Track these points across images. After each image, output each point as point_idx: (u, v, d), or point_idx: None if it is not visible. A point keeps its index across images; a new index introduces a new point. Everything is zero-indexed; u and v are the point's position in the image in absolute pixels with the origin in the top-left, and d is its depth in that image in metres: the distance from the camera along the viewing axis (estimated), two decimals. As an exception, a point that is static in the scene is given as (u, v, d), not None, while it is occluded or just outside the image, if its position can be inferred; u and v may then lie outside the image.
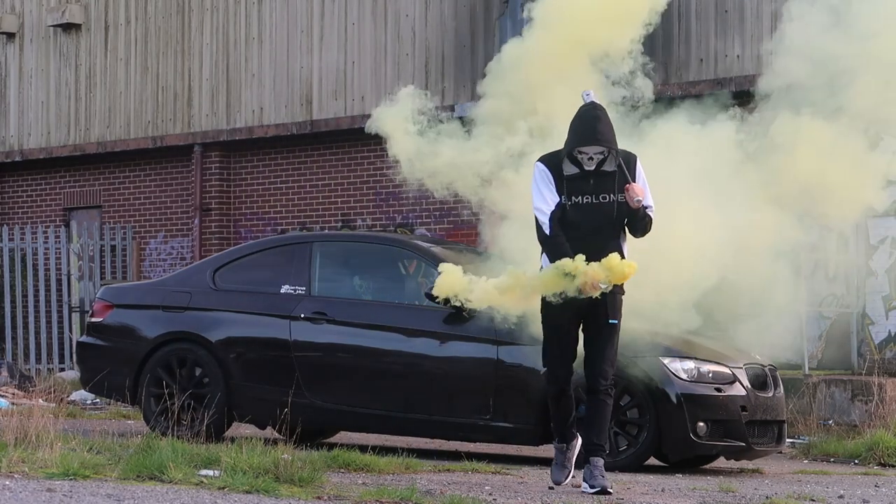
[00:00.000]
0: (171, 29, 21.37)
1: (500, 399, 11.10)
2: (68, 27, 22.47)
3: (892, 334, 15.48)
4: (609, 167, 9.01)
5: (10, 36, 23.29)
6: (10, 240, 21.84)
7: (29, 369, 20.59)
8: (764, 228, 10.53)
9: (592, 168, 8.98)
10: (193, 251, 20.84)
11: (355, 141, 19.50)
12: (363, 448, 10.23)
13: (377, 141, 19.10)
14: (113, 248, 21.95)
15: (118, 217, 22.27)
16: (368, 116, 18.72)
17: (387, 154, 11.77)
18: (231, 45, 20.66)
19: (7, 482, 7.86)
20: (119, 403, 14.93)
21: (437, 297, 9.71)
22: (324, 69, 19.62)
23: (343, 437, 13.21)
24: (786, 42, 10.80)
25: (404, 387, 11.43)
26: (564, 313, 8.99)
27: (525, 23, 11.31)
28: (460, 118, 12.03)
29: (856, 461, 12.73)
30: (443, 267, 9.62)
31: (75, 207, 22.99)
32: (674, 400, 10.71)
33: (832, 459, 12.98)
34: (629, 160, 9.07)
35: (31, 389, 17.28)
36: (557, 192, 9.01)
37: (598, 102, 9.10)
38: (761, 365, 11.37)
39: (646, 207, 8.99)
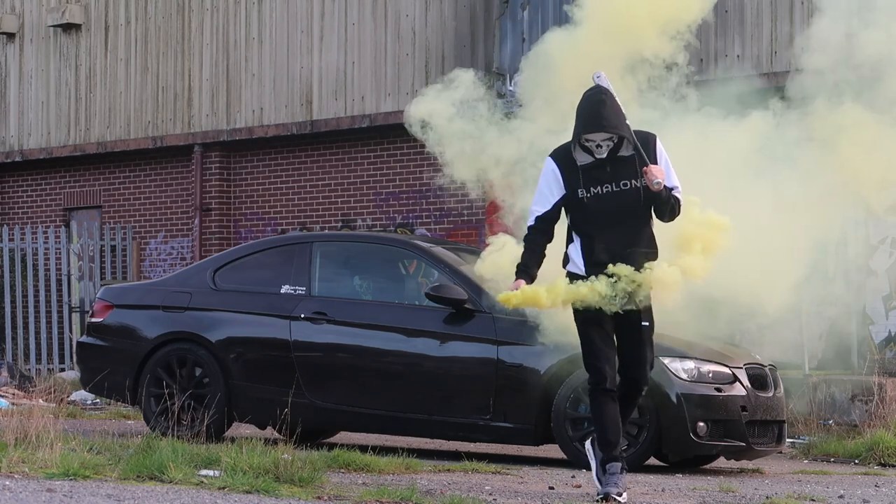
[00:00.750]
0: (171, 29, 21.37)
1: (500, 399, 11.10)
2: (68, 27, 22.47)
3: (893, 334, 15.48)
4: (625, 152, 8.50)
5: (10, 36, 23.29)
6: (10, 240, 21.83)
7: (29, 369, 20.59)
8: (802, 225, 10.22)
9: (604, 155, 8.47)
10: (193, 251, 20.84)
11: (355, 141, 19.51)
12: (363, 448, 10.23)
13: (377, 141, 19.29)
14: (113, 248, 21.95)
15: (118, 217, 22.27)
16: (369, 116, 18.93)
17: (425, 148, 11.31)
18: (231, 45, 20.66)
19: (7, 482, 7.86)
20: (119, 403, 14.93)
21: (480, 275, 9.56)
22: (324, 69, 19.62)
23: (343, 437, 13.21)
24: (817, 34, 10.57)
25: (404, 387, 11.43)
26: (601, 309, 8.53)
27: (568, 22, 10.94)
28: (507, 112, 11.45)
29: (856, 461, 12.73)
30: (496, 240, 9.37)
31: (75, 207, 22.99)
32: (674, 400, 10.71)
33: (832, 459, 12.97)
34: (647, 141, 8.55)
35: (31, 390, 17.29)
36: (572, 185, 8.51)
37: (604, 86, 8.56)
38: (761, 365, 11.37)
39: (670, 189, 8.48)
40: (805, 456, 13.26)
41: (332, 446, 10.55)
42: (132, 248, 21.91)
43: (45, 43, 22.93)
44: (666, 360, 10.77)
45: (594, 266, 8.50)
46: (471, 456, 10.97)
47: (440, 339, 11.38)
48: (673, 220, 8.59)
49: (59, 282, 22.07)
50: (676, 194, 8.53)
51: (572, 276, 8.61)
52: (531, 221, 8.65)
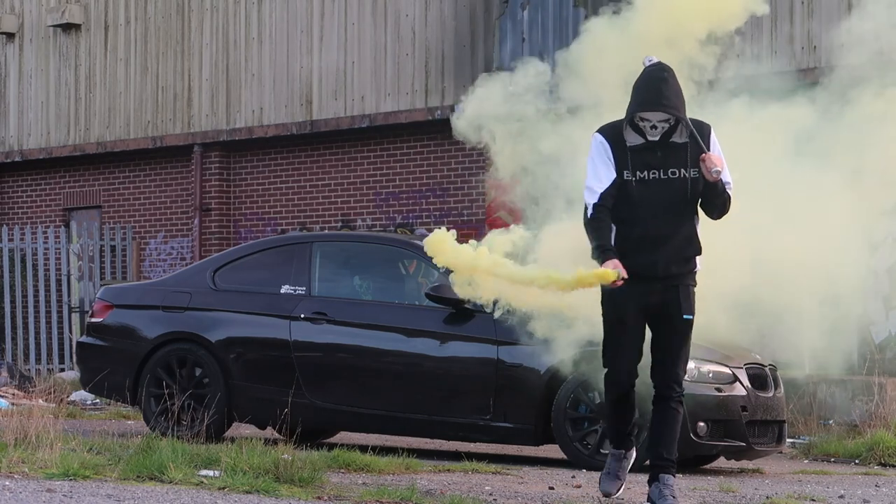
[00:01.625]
0: (171, 29, 21.37)
1: (500, 399, 11.10)
2: (68, 27, 22.47)
3: (892, 334, 15.47)
4: (679, 138, 7.91)
5: (10, 36, 23.29)
6: (10, 240, 21.83)
7: (29, 369, 20.58)
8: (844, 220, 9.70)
9: (657, 138, 7.87)
10: (193, 251, 20.84)
11: (355, 141, 19.51)
12: (363, 448, 10.23)
13: (377, 141, 19.29)
14: (113, 248, 21.95)
15: (118, 217, 22.26)
16: (368, 116, 18.91)
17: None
18: (231, 45, 20.66)
19: (7, 482, 7.86)
20: (119, 403, 14.93)
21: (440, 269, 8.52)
22: (324, 69, 19.62)
23: (343, 437, 13.20)
24: (855, 28, 10.29)
25: (404, 387, 11.43)
26: (628, 305, 8.01)
27: (619, 12, 10.50)
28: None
29: (856, 461, 12.73)
30: (433, 237, 8.71)
31: (75, 207, 22.99)
32: (674, 400, 10.69)
33: (832, 459, 12.97)
34: (702, 130, 7.96)
35: (31, 390, 17.28)
36: (619, 166, 7.92)
37: (665, 64, 7.99)
38: (761, 365, 11.36)
39: (725, 183, 7.93)
40: (805, 456, 13.26)
41: (332, 446, 10.54)
42: (132, 248, 21.91)
43: (45, 43, 22.92)
44: (666, 360, 10.76)
45: (623, 258, 7.91)
46: (471, 456, 10.97)
47: (440, 339, 11.38)
48: (721, 217, 8.11)
49: (59, 282, 22.07)
50: (728, 190, 8.01)
51: None
52: (593, 199, 7.95)
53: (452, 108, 18.09)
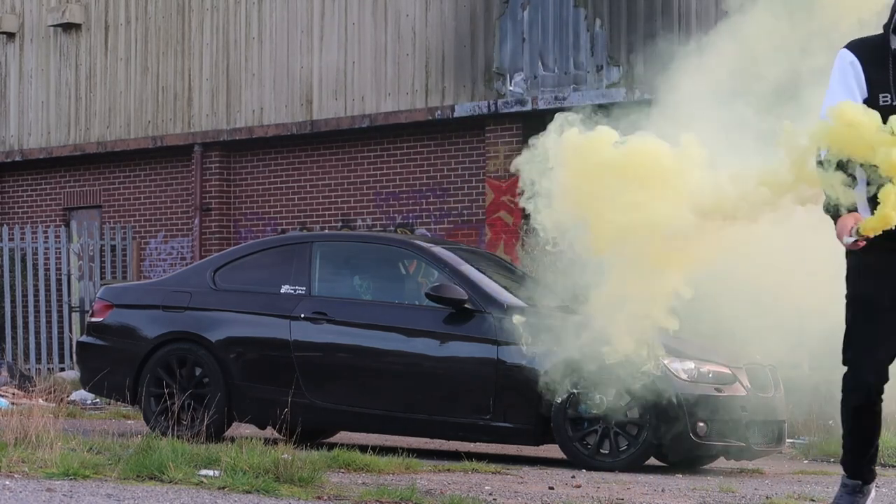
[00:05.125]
0: (171, 29, 21.37)
1: (500, 399, 11.10)
2: (68, 27, 22.48)
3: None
4: None
5: (10, 36, 23.29)
6: (10, 240, 21.83)
7: (29, 369, 20.59)
8: None
9: None
10: (193, 251, 20.84)
11: (355, 141, 19.51)
12: (363, 448, 10.23)
13: (377, 141, 19.30)
14: (113, 248, 21.95)
15: (118, 217, 22.27)
16: (369, 116, 18.92)
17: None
18: (231, 45, 20.66)
19: (7, 482, 7.86)
20: (119, 403, 14.93)
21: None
22: (324, 69, 19.62)
23: (343, 437, 13.21)
24: None
25: (404, 387, 11.43)
26: (887, 281, 6.37)
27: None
28: None
29: (856, 461, 12.71)
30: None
31: (75, 207, 22.99)
32: (674, 400, 10.71)
33: (832, 459, 12.96)
34: None
35: (31, 389, 17.28)
36: (874, 86, 6.23)
37: None
38: (761, 365, 11.37)
39: None
40: (805, 456, 13.26)
41: (332, 446, 10.54)
42: (132, 248, 21.91)
43: (45, 43, 22.93)
44: (666, 360, 10.77)
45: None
46: (471, 456, 10.97)
47: (440, 339, 11.38)
48: None
49: (59, 282, 22.07)
50: None
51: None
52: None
53: (452, 109, 18.11)
